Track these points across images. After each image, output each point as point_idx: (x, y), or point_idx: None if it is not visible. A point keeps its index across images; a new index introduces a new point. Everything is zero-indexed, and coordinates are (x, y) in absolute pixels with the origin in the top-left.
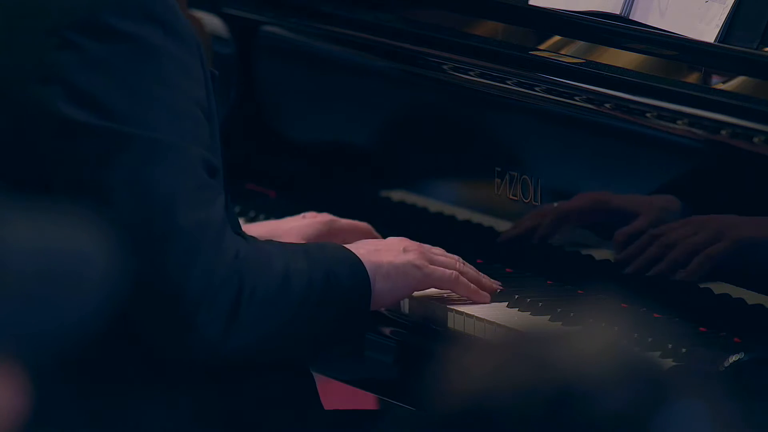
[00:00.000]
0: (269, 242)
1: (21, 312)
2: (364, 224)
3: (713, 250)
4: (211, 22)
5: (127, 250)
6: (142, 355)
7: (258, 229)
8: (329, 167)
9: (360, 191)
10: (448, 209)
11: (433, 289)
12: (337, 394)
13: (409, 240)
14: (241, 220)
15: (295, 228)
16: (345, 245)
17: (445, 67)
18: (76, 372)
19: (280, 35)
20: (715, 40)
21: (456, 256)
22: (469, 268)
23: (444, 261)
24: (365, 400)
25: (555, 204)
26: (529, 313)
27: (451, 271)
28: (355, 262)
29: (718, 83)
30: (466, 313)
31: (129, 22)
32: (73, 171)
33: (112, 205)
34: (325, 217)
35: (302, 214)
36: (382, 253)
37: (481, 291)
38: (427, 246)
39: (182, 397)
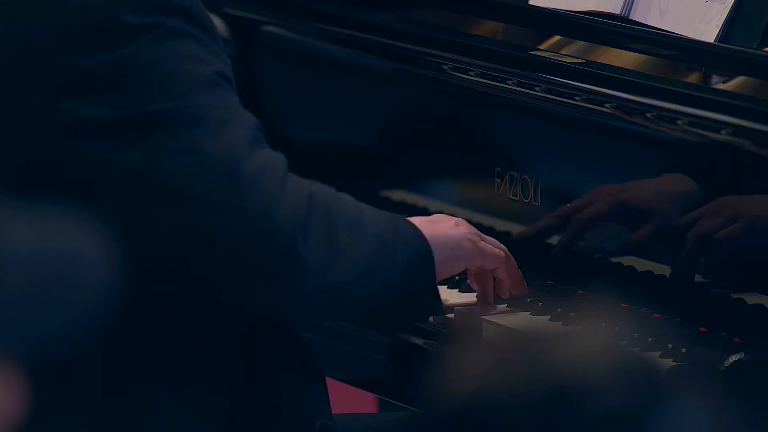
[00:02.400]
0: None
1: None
2: None
3: (713, 249)
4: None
5: (196, 214)
6: (156, 356)
7: None
8: (329, 167)
9: (360, 191)
10: (448, 209)
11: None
12: (337, 394)
13: (459, 218)
14: None
15: None
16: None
17: (445, 67)
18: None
19: (280, 35)
20: (715, 40)
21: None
22: (512, 258)
23: (492, 241)
24: (364, 401)
25: (568, 205)
26: (529, 313)
27: (500, 250)
28: (411, 225)
29: (718, 83)
30: (466, 311)
31: (149, 16)
32: (118, 161)
33: (170, 178)
34: None
35: None
36: (437, 225)
37: (522, 281)
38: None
39: (192, 400)
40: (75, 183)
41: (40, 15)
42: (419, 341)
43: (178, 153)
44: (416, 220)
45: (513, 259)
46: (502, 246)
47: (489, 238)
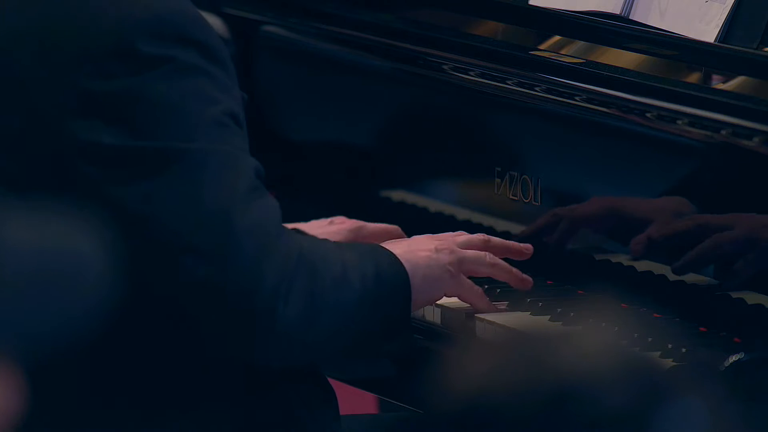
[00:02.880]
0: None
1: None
2: (393, 227)
3: (713, 249)
4: (211, 22)
5: (182, 261)
6: (161, 370)
7: None
8: (329, 167)
9: (360, 191)
10: (448, 209)
11: None
12: (337, 394)
13: (438, 238)
14: None
15: (321, 234)
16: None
17: (445, 67)
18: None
19: (280, 35)
20: (715, 40)
21: (486, 254)
22: (499, 262)
23: (475, 258)
24: (365, 401)
25: (556, 209)
26: (529, 313)
27: (478, 288)
28: (393, 257)
29: (718, 83)
30: (466, 311)
31: (165, 47)
32: (115, 191)
33: (165, 221)
34: (353, 223)
35: (330, 219)
36: (417, 255)
37: (521, 277)
38: (452, 238)
39: (194, 413)
40: (75, 197)
41: (59, 36)
42: (420, 341)
43: (175, 197)
44: (397, 250)
45: (501, 265)
46: (486, 258)
47: (472, 255)
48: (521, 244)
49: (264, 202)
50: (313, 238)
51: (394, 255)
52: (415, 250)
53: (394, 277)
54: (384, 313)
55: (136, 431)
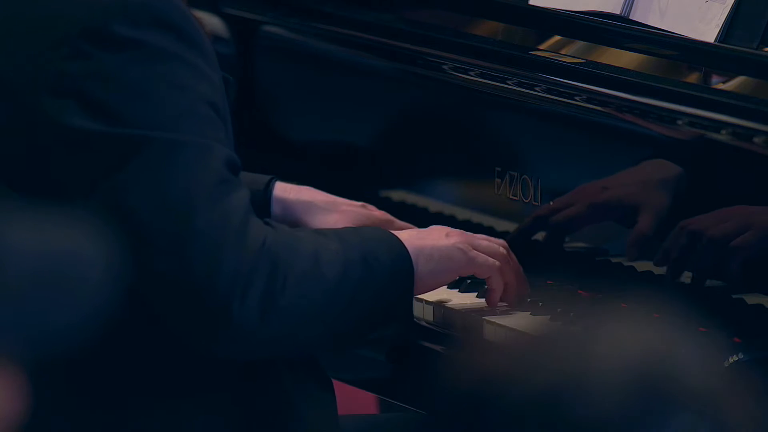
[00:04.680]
0: (298, 228)
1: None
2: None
3: (713, 250)
4: (211, 22)
5: (144, 252)
6: (153, 363)
7: (314, 195)
8: (329, 167)
9: (360, 191)
10: (448, 209)
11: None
12: (337, 394)
13: (451, 228)
14: None
15: (351, 212)
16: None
17: (445, 67)
18: (83, 375)
19: (280, 35)
20: (715, 40)
21: (501, 241)
22: (513, 259)
23: (488, 246)
24: (365, 401)
25: (551, 203)
26: (529, 313)
27: (493, 260)
28: (396, 242)
29: (718, 83)
30: (466, 311)
31: (140, 29)
32: (87, 178)
33: (131, 209)
34: (384, 214)
35: (362, 203)
36: (425, 237)
37: (525, 284)
38: (470, 233)
39: (197, 409)
40: (61, 186)
41: (35, 15)
42: (421, 342)
43: (141, 187)
44: (405, 234)
45: (513, 262)
46: (497, 249)
47: (484, 242)
48: (526, 285)
49: (230, 197)
50: (284, 229)
51: (394, 236)
52: (424, 234)
53: (392, 257)
54: (376, 294)
55: (134, 422)
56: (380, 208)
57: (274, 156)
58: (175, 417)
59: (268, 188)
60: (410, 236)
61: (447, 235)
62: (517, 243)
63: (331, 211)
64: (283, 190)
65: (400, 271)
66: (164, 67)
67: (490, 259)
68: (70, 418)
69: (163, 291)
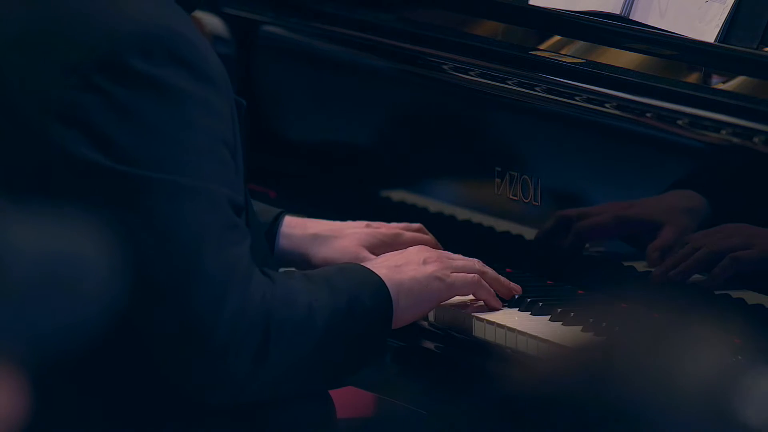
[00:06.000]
0: (292, 276)
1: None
2: (428, 237)
3: (712, 250)
4: (211, 22)
5: (146, 292)
6: (154, 386)
7: (319, 227)
8: (329, 167)
9: (360, 191)
10: (448, 209)
11: None
12: (337, 394)
13: (427, 249)
14: None
15: (356, 234)
16: (366, 263)
17: (445, 67)
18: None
19: (280, 35)
20: (715, 40)
21: (475, 260)
22: (489, 270)
23: (464, 265)
24: (365, 401)
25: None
26: (529, 313)
27: (472, 274)
28: (377, 283)
29: (718, 83)
30: (465, 311)
31: (153, 64)
32: (92, 210)
33: (134, 247)
34: (390, 229)
35: (368, 222)
36: (403, 268)
37: (509, 284)
38: (446, 253)
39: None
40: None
41: (48, 44)
42: (422, 343)
43: (146, 230)
44: (383, 268)
45: (490, 272)
46: (473, 266)
47: (460, 262)
48: (512, 284)
49: (238, 244)
50: (280, 280)
51: (377, 277)
52: (402, 265)
53: (373, 300)
54: (358, 338)
55: (133, 427)
56: (380, 208)
57: (274, 156)
58: (174, 414)
59: (276, 222)
60: (389, 270)
61: (424, 261)
62: (517, 243)
63: (337, 237)
64: (290, 225)
65: (382, 316)
66: (176, 107)
67: (468, 276)
68: (70, 421)
69: (162, 331)
